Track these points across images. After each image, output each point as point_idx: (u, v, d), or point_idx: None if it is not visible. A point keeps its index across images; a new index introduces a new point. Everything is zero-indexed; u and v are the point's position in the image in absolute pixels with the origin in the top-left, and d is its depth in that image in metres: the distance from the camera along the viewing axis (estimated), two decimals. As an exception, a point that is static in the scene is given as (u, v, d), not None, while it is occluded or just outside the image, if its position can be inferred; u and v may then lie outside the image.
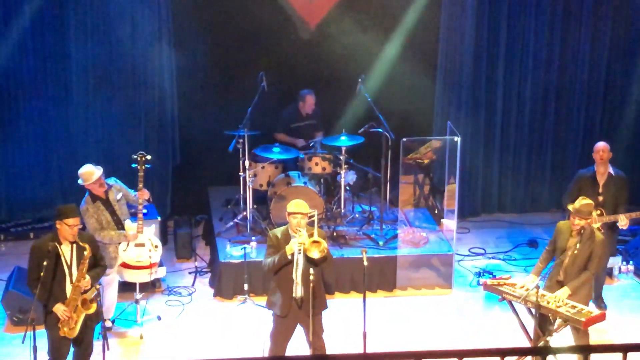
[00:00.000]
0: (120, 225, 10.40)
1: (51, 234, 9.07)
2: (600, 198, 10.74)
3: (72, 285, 8.95)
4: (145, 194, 10.41)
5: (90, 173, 10.24)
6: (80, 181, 10.30)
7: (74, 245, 8.95)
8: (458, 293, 11.53)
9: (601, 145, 10.94)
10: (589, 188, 10.78)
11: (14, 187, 12.83)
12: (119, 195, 10.44)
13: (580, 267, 9.55)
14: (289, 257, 8.96)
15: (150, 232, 10.54)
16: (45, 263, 8.72)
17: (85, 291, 9.01)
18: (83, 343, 9.17)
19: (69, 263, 8.95)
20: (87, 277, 8.97)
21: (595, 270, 9.69)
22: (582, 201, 9.51)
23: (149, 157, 10.47)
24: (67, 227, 8.88)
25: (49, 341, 9.06)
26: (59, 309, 8.92)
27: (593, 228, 9.66)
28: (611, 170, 10.90)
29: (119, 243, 10.39)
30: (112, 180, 10.49)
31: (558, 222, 9.96)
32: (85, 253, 8.92)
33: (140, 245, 10.44)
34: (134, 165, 10.44)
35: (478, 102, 13.24)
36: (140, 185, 10.39)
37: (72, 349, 9.20)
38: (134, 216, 10.54)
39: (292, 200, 9.33)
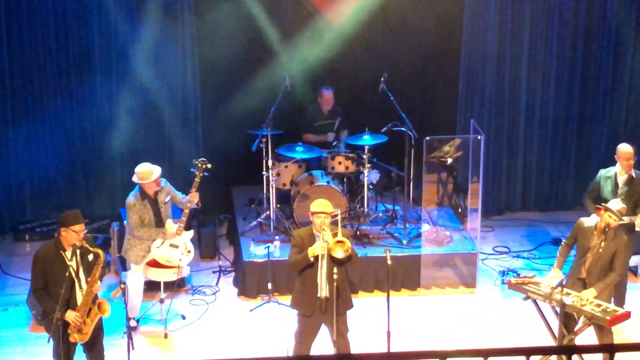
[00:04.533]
0: (160, 226, 10.42)
1: (52, 241, 9.00)
2: (619, 199, 10.58)
3: (82, 291, 8.86)
4: (195, 197, 10.37)
5: (149, 172, 10.24)
6: (135, 178, 10.29)
7: (78, 251, 8.85)
8: (482, 292, 11.50)
9: (629, 150, 10.63)
10: (609, 188, 10.66)
11: (38, 187, 12.92)
12: (167, 198, 10.45)
13: (604, 267, 9.52)
14: (311, 259, 8.97)
15: (187, 237, 10.55)
16: (70, 263, 8.70)
17: (95, 296, 9.00)
18: (95, 346, 9.11)
19: (75, 269, 8.86)
20: (99, 282, 8.91)
21: (621, 271, 9.65)
22: (622, 204, 9.51)
23: (209, 165, 10.43)
24: (74, 234, 8.78)
25: (54, 347, 8.94)
26: (70, 315, 8.82)
27: (618, 228, 9.60)
28: (632, 172, 10.75)
29: (154, 240, 10.41)
30: (162, 182, 10.50)
31: (579, 218, 9.93)
32: (90, 257, 8.85)
33: (174, 246, 10.45)
34: (192, 170, 10.45)
35: (501, 100, 13.21)
36: (194, 190, 10.37)
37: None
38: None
39: (315, 199, 9.33)
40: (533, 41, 13.05)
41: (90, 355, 9.17)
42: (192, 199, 10.37)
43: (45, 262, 8.84)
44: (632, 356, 6.34)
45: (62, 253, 8.82)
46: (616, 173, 10.72)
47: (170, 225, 10.40)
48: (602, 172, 10.86)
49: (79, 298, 8.88)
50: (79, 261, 8.87)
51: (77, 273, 8.86)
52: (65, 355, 8.87)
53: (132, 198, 10.32)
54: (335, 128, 12.55)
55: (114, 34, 12.50)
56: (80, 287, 8.89)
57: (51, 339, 8.87)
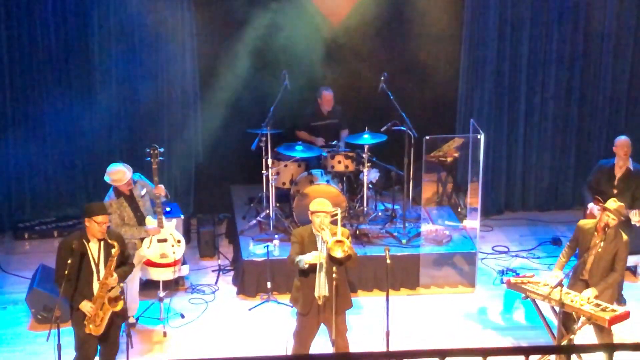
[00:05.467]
0: (142, 222, 10.41)
1: (79, 231, 9.10)
2: (615, 191, 10.66)
3: (99, 283, 8.97)
4: (160, 190, 10.39)
5: (122, 173, 10.19)
6: (107, 179, 10.28)
7: (102, 243, 8.97)
8: (481, 291, 11.49)
9: (624, 140, 10.88)
10: (606, 180, 10.78)
11: (37, 185, 12.91)
12: (143, 191, 10.45)
13: (605, 267, 9.51)
14: (305, 266, 8.96)
15: (171, 227, 10.55)
16: (69, 261, 8.72)
17: (110, 289, 9.04)
18: (109, 341, 9.18)
19: (96, 261, 8.96)
20: (115, 274, 9.00)
21: (623, 272, 9.65)
22: (618, 202, 9.50)
23: (161, 149, 10.45)
24: (96, 225, 8.88)
25: (75, 338, 9.08)
26: (85, 306, 8.92)
27: (618, 228, 9.60)
28: (630, 165, 10.82)
29: (141, 238, 10.41)
30: (136, 176, 10.50)
31: (579, 220, 9.94)
32: (113, 251, 8.95)
33: (162, 240, 10.46)
34: (147, 159, 10.45)
35: (501, 99, 13.21)
36: (156, 179, 10.39)
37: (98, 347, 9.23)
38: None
39: (314, 198, 9.33)
40: (533, 41, 13.04)
41: (103, 349, 9.24)
42: (158, 193, 10.38)
43: (68, 252, 8.89)
44: (632, 356, 6.32)
45: (86, 244, 8.92)
46: (614, 166, 10.80)
47: (150, 220, 10.41)
48: (601, 163, 11.08)
49: (96, 289, 8.97)
50: (102, 253, 8.96)
51: (97, 265, 8.93)
52: (85, 346, 8.98)
53: (107, 200, 10.30)
54: (332, 132, 12.56)
55: (114, 33, 12.49)
56: (99, 279, 8.97)
57: (51, 337, 8.86)
